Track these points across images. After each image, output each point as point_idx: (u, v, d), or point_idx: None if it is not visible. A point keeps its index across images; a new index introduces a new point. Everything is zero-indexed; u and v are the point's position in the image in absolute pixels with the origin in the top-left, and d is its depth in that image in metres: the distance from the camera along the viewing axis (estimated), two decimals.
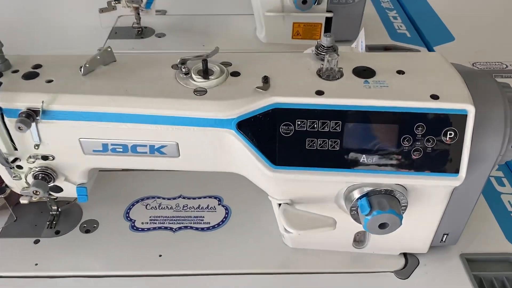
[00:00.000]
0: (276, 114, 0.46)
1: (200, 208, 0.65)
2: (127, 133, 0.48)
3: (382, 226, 0.48)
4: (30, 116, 0.46)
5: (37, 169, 0.51)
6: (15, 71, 0.49)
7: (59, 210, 0.62)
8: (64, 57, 0.51)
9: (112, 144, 0.49)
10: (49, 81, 0.48)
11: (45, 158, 0.51)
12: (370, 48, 1.01)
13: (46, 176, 0.51)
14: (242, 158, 0.48)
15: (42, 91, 0.46)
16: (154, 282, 0.56)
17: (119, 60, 0.51)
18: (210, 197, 0.67)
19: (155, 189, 0.67)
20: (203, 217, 0.64)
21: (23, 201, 0.56)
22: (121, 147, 0.49)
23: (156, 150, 0.49)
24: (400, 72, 0.49)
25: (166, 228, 0.62)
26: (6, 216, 0.63)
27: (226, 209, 0.65)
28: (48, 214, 0.63)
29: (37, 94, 0.46)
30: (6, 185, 0.56)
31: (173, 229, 0.62)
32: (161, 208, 0.65)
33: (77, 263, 0.57)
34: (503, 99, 0.48)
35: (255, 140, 0.47)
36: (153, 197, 0.66)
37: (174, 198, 0.66)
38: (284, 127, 0.46)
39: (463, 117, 0.45)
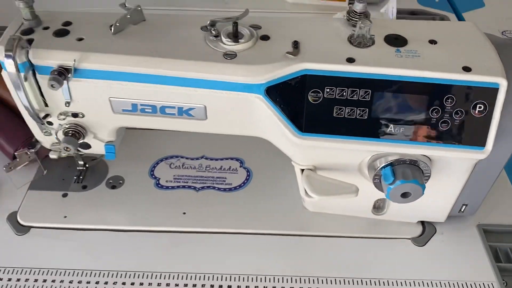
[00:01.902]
0: (306, 81, 0.46)
1: (222, 169, 0.66)
2: (156, 94, 0.49)
3: (404, 195, 0.49)
4: (62, 74, 0.46)
5: (67, 126, 0.53)
6: (46, 28, 0.49)
7: (86, 165, 0.64)
8: (93, 14, 0.51)
9: (141, 105, 0.49)
10: (80, 39, 0.48)
11: (75, 115, 0.52)
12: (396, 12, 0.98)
13: (76, 133, 0.52)
14: (269, 123, 0.49)
15: (74, 49, 0.47)
16: (178, 238, 0.58)
17: (148, 19, 0.51)
18: (232, 159, 0.68)
19: (179, 149, 0.69)
20: (225, 178, 0.65)
21: (52, 156, 0.57)
22: (150, 107, 0.50)
23: (184, 112, 0.50)
24: (432, 41, 0.48)
25: (189, 187, 0.64)
26: (35, 169, 0.65)
27: (248, 171, 0.66)
28: (75, 169, 0.65)
29: (69, 52, 0.46)
30: (36, 139, 0.57)
31: (196, 189, 0.64)
32: (185, 168, 0.66)
33: (104, 217, 0.60)
34: None
35: (283, 106, 0.47)
36: (177, 157, 0.68)
37: (197, 159, 0.68)
38: (312, 94, 0.46)
39: (494, 90, 0.45)
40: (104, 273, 0.55)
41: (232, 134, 0.53)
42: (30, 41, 0.47)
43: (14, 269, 0.54)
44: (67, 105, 0.50)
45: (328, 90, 0.46)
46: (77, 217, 0.60)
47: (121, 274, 0.55)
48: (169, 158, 0.68)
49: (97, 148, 0.56)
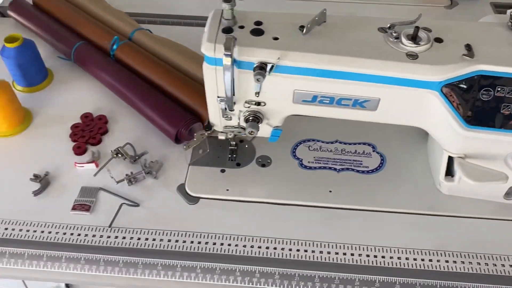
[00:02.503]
0: (479, 80, 0.52)
1: (356, 153, 0.73)
2: (337, 88, 0.56)
3: None
4: (262, 68, 0.53)
5: (247, 113, 0.60)
6: (241, 27, 0.56)
7: (238, 145, 0.72)
8: (278, 14, 0.58)
9: (321, 96, 0.57)
10: (276, 39, 0.55)
11: (258, 103, 0.59)
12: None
13: (256, 119, 0.60)
14: (437, 116, 0.55)
15: (273, 48, 0.54)
16: (326, 213, 0.66)
17: (327, 20, 0.57)
18: (364, 143, 0.75)
19: (314, 133, 0.76)
20: (362, 161, 0.72)
21: (221, 137, 0.66)
22: (328, 99, 0.57)
23: (358, 104, 0.57)
24: None
25: (330, 168, 0.71)
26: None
27: (381, 156, 0.73)
28: (226, 148, 0.73)
29: (270, 51, 0.53)
30: (208, 122, 0.65)
31: (337, 170, 0.71)
32: (322, 150, 0.74)
33: (260, 192, 0.68)
34: None
35: (455, 102, 0.53)
36: (313, 140, 0.75)
37: (332, 142, 0.75)
38: (484, 92, 0.52)
39: None
40: (269, 240, 0.63)
41: (394, 123, 0.60)
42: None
43: (192, 233, 0.63)
44: (257, 95, 0.57)
45: (499, 89, 0.52)
46: (238, 191, 0.68)
47: (281, 241, 0.63)
48: (307, 141, 0.75)
49: (264, 132, 0.64)
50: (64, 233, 0.63)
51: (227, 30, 0.55)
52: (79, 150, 0.72)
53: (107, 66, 0.81)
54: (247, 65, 0.54)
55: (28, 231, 0.63)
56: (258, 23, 0.57)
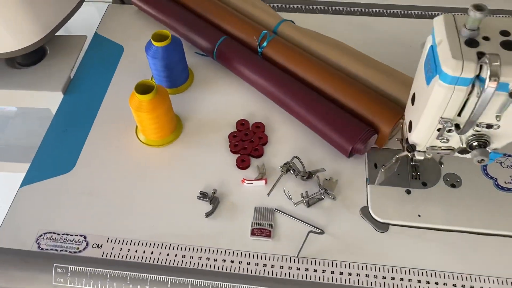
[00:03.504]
0: None
1: None
2: None
3: None
4: None
5: (472, 137, 0.51)
6: (486, 38, 0.46)
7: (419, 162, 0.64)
8: None
9: None
10: None
11: (489, 126, 0.50)
12: None
13: (482, 144, 0.51)
14: None
15: None
16: None
17: None
18: None
19: (504, 147, 0.66)
20: None
21: (418, 157, 0.57)
22: None
23: None
24: None
25: None
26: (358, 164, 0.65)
27: None
28: (404, 164, 0.65)
29: None
30: (407, 141, 0.57)
31: None
32: None
33: (457, 218, 0.60)
34: None
35: None
36: (504, 155, 0.66)
37: None
38: None
39: None
40: (480, 278, 0.55)
41: None
42: (480, 54, 0.45)
43: (391, 267, 0.56)
44: (498, 119, 0.48)
45: None
46: (431, 216, 0.60)
47: (494, 280, 0.55)
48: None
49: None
50: (248, 263, 0.57)
51: (471, 43, 0.46)
52: (243, 164, 0.66)
53: (260, 67, 0.72)
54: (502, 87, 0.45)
55: (208, 259, 0.58)
56: (505, 33, 0.47)
